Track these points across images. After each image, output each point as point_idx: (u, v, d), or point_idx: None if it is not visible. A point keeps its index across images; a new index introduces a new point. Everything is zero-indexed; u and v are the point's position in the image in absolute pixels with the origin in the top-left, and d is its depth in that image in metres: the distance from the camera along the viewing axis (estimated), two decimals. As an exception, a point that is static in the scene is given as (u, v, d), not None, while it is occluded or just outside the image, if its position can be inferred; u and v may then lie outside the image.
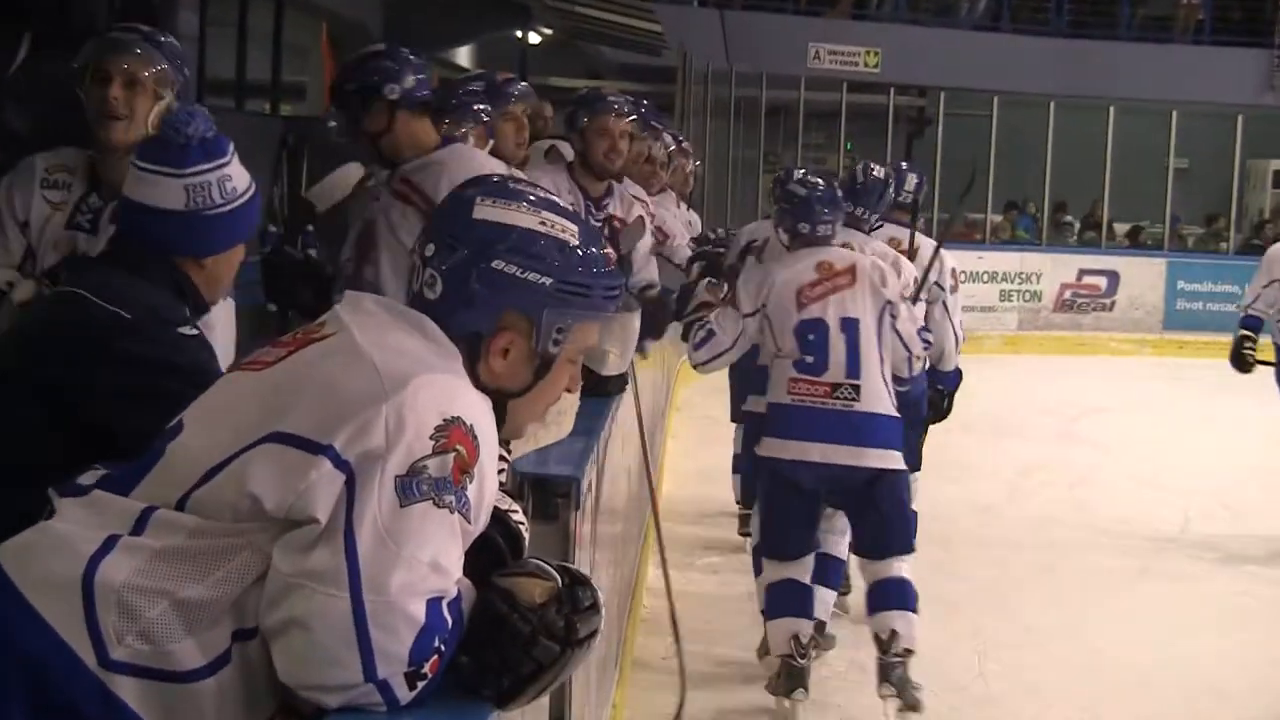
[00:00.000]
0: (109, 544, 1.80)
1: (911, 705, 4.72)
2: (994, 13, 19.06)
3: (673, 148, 6.64)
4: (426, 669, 1.74)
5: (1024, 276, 16.46)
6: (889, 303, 4.95)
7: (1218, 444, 8.89)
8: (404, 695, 1.74)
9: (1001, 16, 18.97)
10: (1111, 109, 17.17)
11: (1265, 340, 7.33)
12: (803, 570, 4.87)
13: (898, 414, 4.84)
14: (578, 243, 1.92)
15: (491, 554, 1.92)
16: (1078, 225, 17.88)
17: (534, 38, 15.27)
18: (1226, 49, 18.65)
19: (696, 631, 5.04)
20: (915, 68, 17.96)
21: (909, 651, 4.74)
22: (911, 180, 6.15)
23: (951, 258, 7.69)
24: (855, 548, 5.02)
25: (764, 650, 4.99)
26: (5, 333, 2.80)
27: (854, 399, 4.75)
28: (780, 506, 4.88)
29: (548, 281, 1.89)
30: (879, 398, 4.80)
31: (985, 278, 16.40)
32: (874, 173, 5.85)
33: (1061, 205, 17.87)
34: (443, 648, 1.76)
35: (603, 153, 4.66)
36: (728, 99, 17.15)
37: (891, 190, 5.90)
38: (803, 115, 17.41)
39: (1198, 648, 5.54)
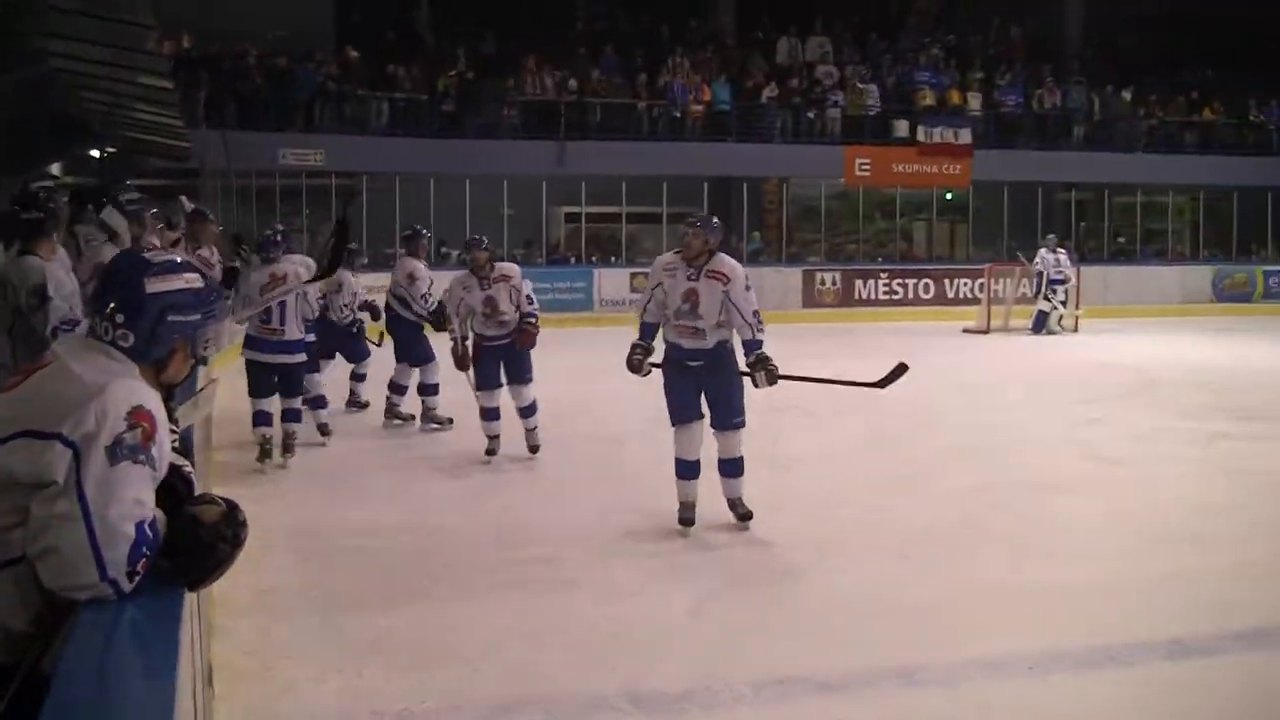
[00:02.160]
0: None
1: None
2: (391, 124, 21.28)
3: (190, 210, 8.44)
4: (139, 568, 2.04)
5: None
6: (304, 292, 8.04)
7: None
8: (126, 587, 2.02)
9: (398, 126, 21.27)
10: (468, 181, 20.40)
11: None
12: (269, 405, 8.08)
13: (305, 341, 8.11)
14: (201, 285, 2.30)
15: (175, 492, 2.24)
16: (455, 254, 19.11)
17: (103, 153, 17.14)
18: (534, 141, 21.67)
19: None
20: (346, 160, 20.37)
21: (293, 435, 8.12)
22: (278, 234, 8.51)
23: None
24: (282, 393, 8.17)
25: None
26: None
27: (282, 334, 8.06)
28: (255, 378, 8.16)
29: (197, 317, 2.29)
30: (295, 335, 8.05)
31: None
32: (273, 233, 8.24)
33: (444, 241, 19.87)
34: (148, 553, 2.06)
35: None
36: (231, 186, 19.51)
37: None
38: (279, 193, 19.93)
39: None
